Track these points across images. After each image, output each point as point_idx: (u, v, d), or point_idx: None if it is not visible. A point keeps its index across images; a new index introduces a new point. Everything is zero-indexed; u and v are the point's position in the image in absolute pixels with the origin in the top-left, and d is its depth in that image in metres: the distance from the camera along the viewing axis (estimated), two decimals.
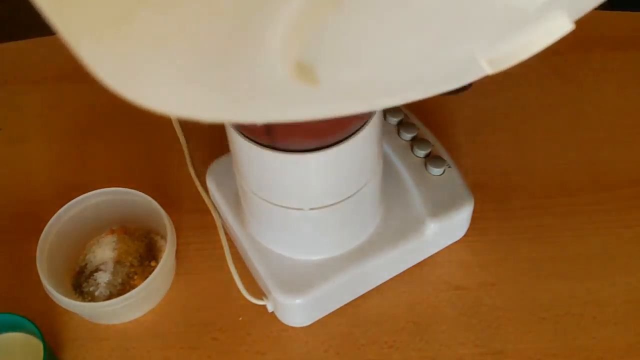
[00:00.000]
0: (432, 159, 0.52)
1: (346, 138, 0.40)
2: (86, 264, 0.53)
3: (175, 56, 0.19)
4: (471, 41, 0.24)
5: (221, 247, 0.49)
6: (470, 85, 0.45)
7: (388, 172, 0.51)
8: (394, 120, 0.54)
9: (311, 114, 0.25)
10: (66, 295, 0.47)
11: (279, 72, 0.21)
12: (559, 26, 0.24)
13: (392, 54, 0.23)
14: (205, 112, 0.23)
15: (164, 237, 0.52)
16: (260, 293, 0.50)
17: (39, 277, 0.47)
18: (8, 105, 0.66)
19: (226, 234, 0.51)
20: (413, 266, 0.52)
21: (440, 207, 0.50)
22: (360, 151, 0.42)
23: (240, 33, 0.19)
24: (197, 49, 0.19)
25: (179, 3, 0.17)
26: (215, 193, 0.53)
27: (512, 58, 0.26)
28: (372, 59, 0.23)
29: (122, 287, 0.51)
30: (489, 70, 0.26)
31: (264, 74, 0.21)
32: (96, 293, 0.50)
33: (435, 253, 0.53)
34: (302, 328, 0.49)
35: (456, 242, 0.53)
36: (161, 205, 0.51)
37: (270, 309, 0.49)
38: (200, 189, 0.50)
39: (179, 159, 0.58)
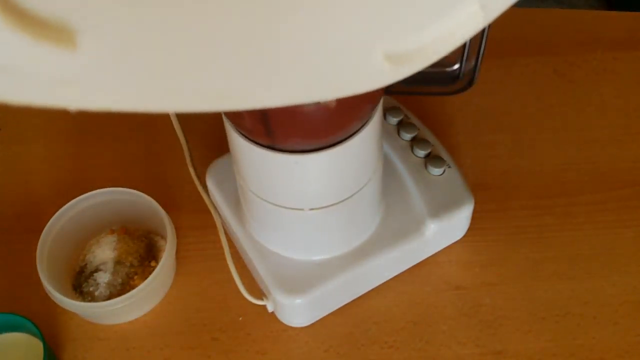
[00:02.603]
0: (432, 159, 0.52)
1: (346, 138, 0.40)
2: (86, 264, 0.53)
3: None
4: (365, 29, 0.20)
5: (221, 247, 0.49)
6: (470, 84, 0.45)
7: (388, 172, 0.51)
8: (394, 120, 0.54)
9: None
10: (66, 295, 0.47)
11: None
12: (470, 17, 0.20)
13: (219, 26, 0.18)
14: None
15: (164, 237, 0.52)
16: (260, 293, 0.50)
17: (39, 277, 0.47)
18: (8, 105, 0.66)
19: (226, 234, 0.51)
20: (413, 266, 0.52)
21: (440, 207, 0.50)
22: (360, 151, 0.42)
23: None
24: None
25: None
26: (215, 193, 0.53)
27: (418, 55, 0.21)
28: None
29: (122, 287, 0.51)
30: (386, 66, 0.21)
31: None
32: (96, 293, 0.50)
33: (435, 253, 0.53)
34: (302, 328, 0.49)
35: (456, 242, 0.53)
36: (161, 205, 0.51)
37: (270, 309, 0.49)
38: (200, 189, 0.50)
39: (179, 159, 0.58)
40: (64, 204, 0.51)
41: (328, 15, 0.19)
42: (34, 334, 0.47)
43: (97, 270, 0.52)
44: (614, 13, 0.71)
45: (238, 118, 0.39)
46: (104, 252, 0.53)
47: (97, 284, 0.51)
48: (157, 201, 0.51)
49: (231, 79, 0.21)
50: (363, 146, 0.42)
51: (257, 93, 0.22)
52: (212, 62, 0.20)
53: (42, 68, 0.19)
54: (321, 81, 0.22)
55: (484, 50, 0.41)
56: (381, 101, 0.42)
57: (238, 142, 0.41)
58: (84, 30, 0.18)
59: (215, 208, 0.51)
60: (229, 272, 0.48)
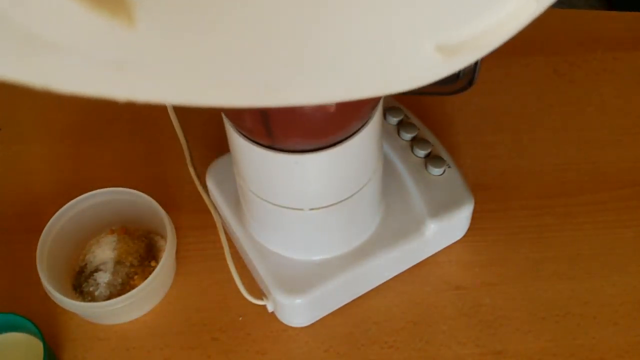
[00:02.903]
0: (432, 159, 0.52)
1: (346, 138, 0.40)
2: (86, 264, 0.53)
3: None
4: (414, 22, 0.19)
5: (221, 247, 0.49)
6: (470, 84, 0.45)
7: (388, 172, 0.51)
8: (394, 120, 0.54)
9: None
10: (66, 295, 0.47)
11: None
12: (523, 5, 0.20)
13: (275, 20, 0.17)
14: None
15: (164, 237, 0.52)
16: (260, 293, 0.50)
17: (39, 277, 0.47)
18: (8, 105, 0.66)
19: (226, 234, 0.51)
20: (413, 266, 0.52)
21: (440, 207, 0.50)
22: (360, 151, 0.42)
23: None
24: None
25: None
26: (215, 193, 0.53)
27: (470, 46, 0.20)
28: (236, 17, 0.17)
29: (122, 287, 0.51)
30: (438, 58, 0.20)
31: None
32: (96, 293, 0.50)
33: (435, 253, 0.53)
34: (302, 328, 0.49)
35: (456, 242, 0.53)
36: (161, 205, 0.51)
37: (270, 309, 0.49)
38: (200, 189, 0.50)
39: (179, 159, 0.58)
40: (64, 204, 0.51)
41: (378, 7, 0.18)
42: (34, 334, 0.47)
43: (97, 270, 0.52)
44: (614, 13, 0.71)
45: (238, 118, 0.39)
46: (104, 252, 0.53)
47: (97, 284, 0.51)
48: (157, 201, 0.51)
49: (281, 73, 0.20)
50: (363, 146, 0.42)
51: (307, 89, 0.21)
52: (261, 54, 0.19)
53: (95, 46, 0.17)
54: (372, 76, 0.21)
55: None
56: (381, 101, 0.42)
57: (238, 142, 0.41)
58: (143, 2, 0.17)
59: (215, 208, 0.51)
60: (229, 272, 0.48)
